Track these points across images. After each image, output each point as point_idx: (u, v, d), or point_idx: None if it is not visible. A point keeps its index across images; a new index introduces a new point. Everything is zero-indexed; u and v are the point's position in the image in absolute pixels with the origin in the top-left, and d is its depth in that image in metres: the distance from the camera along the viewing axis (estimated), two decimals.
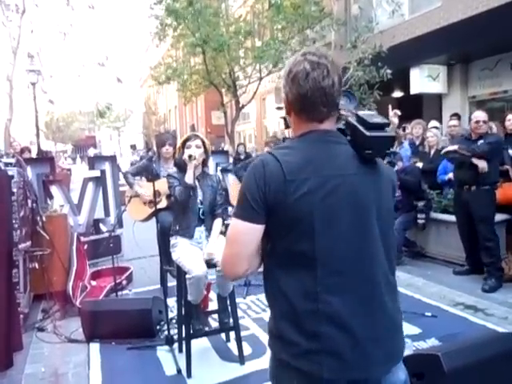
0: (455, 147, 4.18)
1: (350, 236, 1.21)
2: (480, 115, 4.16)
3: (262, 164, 1.22)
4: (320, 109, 1.24)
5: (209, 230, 2.99)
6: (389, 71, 6.95)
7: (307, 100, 1.23)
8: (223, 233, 3.15)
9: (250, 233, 1.22)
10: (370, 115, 1.28)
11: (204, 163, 3.09)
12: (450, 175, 4.79)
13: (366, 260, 1.23)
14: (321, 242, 1.18)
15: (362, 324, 1.21)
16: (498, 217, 4.30)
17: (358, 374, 1.22)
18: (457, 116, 6.72)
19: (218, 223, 3.03)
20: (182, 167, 3.01)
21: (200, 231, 2.97)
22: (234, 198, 5.07)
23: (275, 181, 1.18)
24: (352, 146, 1.26)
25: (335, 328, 1.19)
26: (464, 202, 4.24)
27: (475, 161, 4.03)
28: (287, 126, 1.42)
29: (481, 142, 4.08)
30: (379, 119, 1.28)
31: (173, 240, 2.96)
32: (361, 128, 1.25)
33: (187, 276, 2.71)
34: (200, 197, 3.00)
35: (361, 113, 1.29)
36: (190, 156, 2.90)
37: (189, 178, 2.90)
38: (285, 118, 1.41)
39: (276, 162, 1.20)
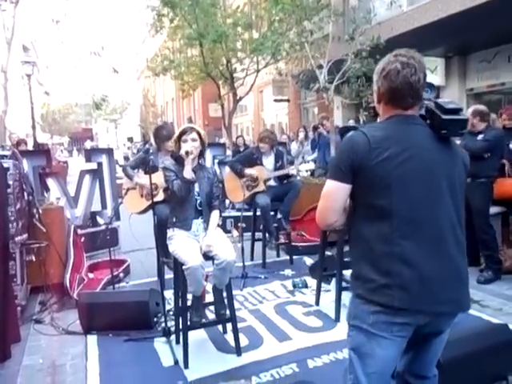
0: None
1: (421, 195, 1.49)
2: (468, 111, 4.18)
3: (352, 138, 1.56)
4: (407, 99, 1.54)
5: (206, 221, 3.00)
6: None
7: (398, 93, 1.53)
8: (220, 226, 3.16)
9: (338, 190, 1.53)
10: (447, 102, 1.57)
11: (201, 154, 3.08)
12: None
13: (435, 216, 1.49)
14: (396, 198, 1.47)
15: (430, 267, 1.46)
16: (494, 209, 4.31)
17: (422, 306, 1.47)
18: None
19: (215, 215, 3.03)
20: (179, 160, 3.00)
21: (197, 224, 2.98)
22: (230, 192, 5.03)
23: (362, 149, 1.48)
24: (430, 127, 1.55)
25: (406, 267, 1.45)
26: None
27: None
28: (376, 114, 1.72)
29: (481, 136, 4.07)
30: (454, 105, 1.57)
31: (170, 232, 2.96)
32: (438, 112, 1.53)
33: (184, 267, 2.72)
34: (196, 188, 3.00)
35: (439, 100, 1.58)
36: (186, 152, 2.90)
37: (187, 173, 2.90)
38: (373, 107, 1.72)
39: (363, 135, 1.51)
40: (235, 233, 5.82)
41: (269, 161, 4.88)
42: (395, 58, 1.53)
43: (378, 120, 1.72)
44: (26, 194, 3.96)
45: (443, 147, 1.55)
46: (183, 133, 2.98)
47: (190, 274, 2.70)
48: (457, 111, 1.56)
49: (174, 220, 2.96)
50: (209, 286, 3.24)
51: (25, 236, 3.76)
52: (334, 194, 1.55)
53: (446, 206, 1.52)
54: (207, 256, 2.83)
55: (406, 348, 1.61)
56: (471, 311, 3.44)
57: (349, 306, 1.64)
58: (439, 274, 1.47)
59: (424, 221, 1.48)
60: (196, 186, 2.99)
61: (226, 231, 5.80)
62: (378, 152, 1.46)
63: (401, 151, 1.48)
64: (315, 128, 9.01)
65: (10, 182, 3.52)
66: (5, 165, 3.48)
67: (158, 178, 3.69)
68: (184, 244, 2.83)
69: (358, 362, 1.56)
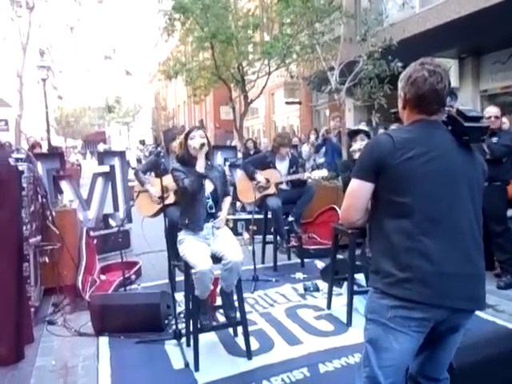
0: None
1: (442, 196, 1.54)
2: (491, 110, 4.12)
3: (377, 139, 1.68)
4: (433, 106, 1.61)
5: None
6: (400, 64, 6.85)
7: (424, 99, 1.60)
8: (231, 228, 3.17)
9: (361, 188, 1.61)
10: (468, 110, 1.64)
11: (207, 156, 3.08)
12: None
13: (454, 216, 1.54)
14: (418, 196, 1.53)
15: (449, 263, 1.51)
16: (508, 212, 4.24)
17: (441, 301, 1.50)
18: None
19: (227, 200, 3.15)
20: (186, 161, 3.00)
21: (208, 227, 2.98)
22: (241, 192, 5.04)
23: (386, 149, 1.55)
24: (452, 133, 1.61)
25: (425, 262, 1.49)
26: None
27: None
28: (398, 119, 1.81)
29: (495, 139, 4.01)
30: (475, 113, 1.65)
31: (180, 235, 2.96)
32: (460, 119, 1.60)
33: (192, 271, 2.73)
34: (208, 189, 3.00)
35: (461, 108, 1.65)
36: (202, 144, 2.89)
37: (200, 167, 2.88)
38: (395, 112, 1.81)
39: (388, 137, 1.59)
40: (246, 235, 5.82)
41: (283, 166, 4.86)
42: (421, 67, 1.60)
43: (396, 125, 1.78)
44: (39, 196, 4.01)
45: (464, 152, 1.61)
46: (190, 131, 3.01)
47: (198, 278, 2.71)
48: (478, 119, 1.64)
49: (186, 221, 2.95)
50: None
51: (38, 238, 3.81)
52: (358, 193, 1.62)
53: (465, 208, 1.57)
54: (216, 258, 2.84)
55: (420, 349, 1.62)
56: (486, 316, 3.38)
57: (367, 299, 1.69)
58: (458, 271, 1.51)
59: (444, 220, 1.53)
60: (207, 186, 3.00)
61: (237, 234, 5.80)
62: (402, 152, 1.53)
63: (424, 152, 1.54)
64: (324, 133, 8.87)
65: (25, 185, 3.57)
66: (20, 168, 3.53)
67: (169, 180, 3.71)
68: (194, 247, 2.84)
69: (374, 356, 1.59)
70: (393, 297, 1.52)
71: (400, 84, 1.69)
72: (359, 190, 1.61)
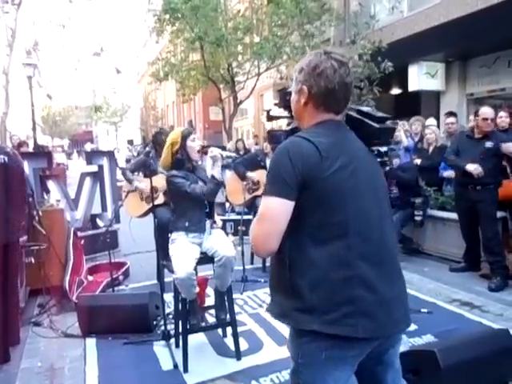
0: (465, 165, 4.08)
1: (371, 209, 1.35)
2: (488, 112, 4.02)
3: (295, 144, 1.32)
4: (341, 102, 1.39)
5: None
6: (390, 64, 6.89)
7: (334, 94, 1.36)
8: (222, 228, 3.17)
9: (283, 209, 1.28)
10: (373, 110, 1.51)
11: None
12: (451, 173, 4.80)
13: (382, 230, 1.37)
14: (352, 213, 1.30)
15: (386, 286, 1.33)
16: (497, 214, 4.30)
17: (385, 331, 1.34)
18: (453, 114, 6.68)
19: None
20: (183, 165, 2.94)
21: (206, 224, 2.99)
22: (230, 194, 5.05)
23: (312, 158, 1.28)
24: (358, 136, 1.42)
25: (367, 291, 1.29)
26: (469, 200, 4.16)
27: (469, 168, 4.02)
28: (271, 118, 1.63)
29: (489, 143, 4.01)
30: (381, 113, 1.52)
31: (173, 235, 2.94)
32: (369, 121, 1.45)
33: (173, 276, 2.74)
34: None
35: (363, 109, 1.50)
36: (221, 156, 2.85)
37: (218, 174, 2.85)
38: (268, 111, 1.62)
39: (308, 142, 1.30)
40: (231, 238, 5.81)
41: None
42: (327, 56, 1.37)
43: (285, 126, 1.60)
44: (26, 195, 3.95)
45: (371, 155, 1.48)
46: (190, 133, 2.99)
47: (179, 284, 2.73)
48: (385, 120, 1.53)
49: (187, 224, 2.88)
50: (209, 290, 3.24)
51: (24, 238, 3.75)
52: (279, 214, 1.28)
53: (388, 219, 1.43)
54: (207, 258, 2.82)
55: (366, 378, 1.49)
56: (472, 316, 3.43)
57: (293, 343, 1.41)
58: (394, 293, 1.35)
59: (374, 238, 1.34)
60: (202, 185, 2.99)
61: (226, 234, 5.78)
62: (329, 162, 1.28)
63: (349, 160, 1.33)
64: None
65: None
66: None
67: (158, 181, 3.69)
68: (182, 251, 2.82)
69: None
70: (329, 337, 1.28)
71: (299, 76, 1.40)
72: (280, 211, 1.28)
